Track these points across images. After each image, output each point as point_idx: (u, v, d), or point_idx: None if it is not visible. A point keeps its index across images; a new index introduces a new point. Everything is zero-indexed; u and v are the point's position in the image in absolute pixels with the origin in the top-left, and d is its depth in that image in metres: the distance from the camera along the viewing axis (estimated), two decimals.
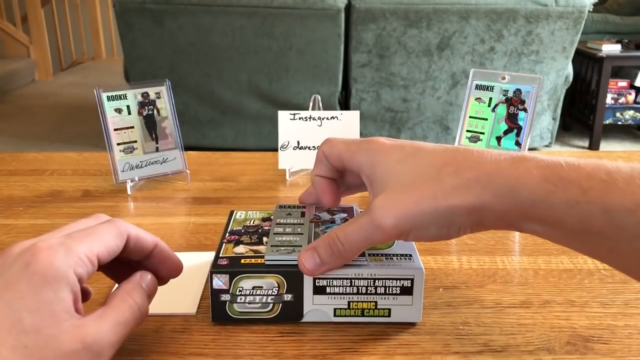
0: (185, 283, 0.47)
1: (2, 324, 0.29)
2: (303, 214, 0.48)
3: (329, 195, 0.44)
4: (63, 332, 0.30)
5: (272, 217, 0.48)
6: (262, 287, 0.41)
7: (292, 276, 0.41)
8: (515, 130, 0.70)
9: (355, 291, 0.41)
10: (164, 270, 0.40)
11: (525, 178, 0.33)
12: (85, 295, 0.36)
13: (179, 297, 0.45)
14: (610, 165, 0.32)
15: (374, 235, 0.36)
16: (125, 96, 0.70)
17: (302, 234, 0.44)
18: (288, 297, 0.41)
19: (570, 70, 2.70)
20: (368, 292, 0.41)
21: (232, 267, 0.41)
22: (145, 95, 0.71)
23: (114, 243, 0.35)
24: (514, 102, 0.70)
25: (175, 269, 0.40)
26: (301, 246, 0.42)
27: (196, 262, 0.51)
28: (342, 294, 0.41)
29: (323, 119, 0.74)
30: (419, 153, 0.37)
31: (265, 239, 0.45)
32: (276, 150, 0.75)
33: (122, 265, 0.39)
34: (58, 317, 0.30)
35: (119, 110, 0.70)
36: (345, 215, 0.48)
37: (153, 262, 0.39)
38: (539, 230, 0.34)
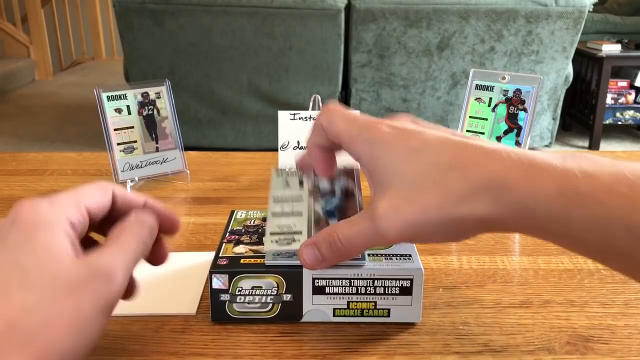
0: (185, 283, 0.47)
1: (3, 274, 0.29)
2: (301, 183, 0.45)
3: (322, 165, 0.42)
4: (66, 266, 0.30)
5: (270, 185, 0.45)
6: (261, 287, 0.41)
7: (292, 276, 0.41)
8: (515, 130, 0.70)
9: (354, 291, 0.41)
10: (161, 229, 0.38)
11: (539, 192, 0.30)
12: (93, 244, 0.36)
13: (178, 297, 0.45)
14: (630, 174, 0.30)
15: (375, 241, 0.36)
16: (125, 96, 0.70)
17: (300, 214, 0.43)
18: (287, 297, 0.41)
19: (570, 70, 2.70)
20: (367, 292, 0.41)
21: (232, 267, 0.41)
22: (145, 95, 0.71)
23: (99, 195, 0.35)
24: (514, 102, 0.70)
25: (172, 224, 0.38)
26: (301, 232, 0.41)
27: (196, 262, 0.51)
28: (342, 294, 0.41)
29: None
30: (424, 149, 0.34)
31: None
32: (276, 150, 0.75)
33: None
34: (57, 254, 0.30)
35: (119, 110, 0.70)
36: (346, 183, 0.45)
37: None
38: (555, 242, 0.32)
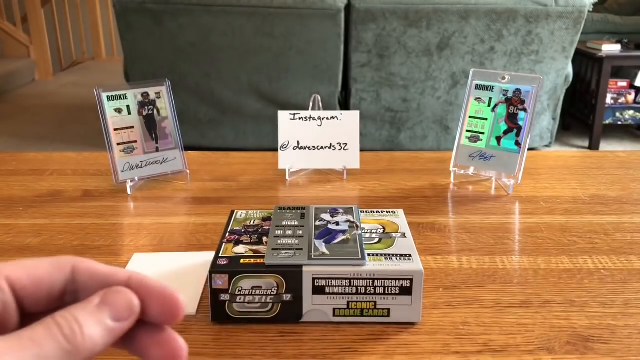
0: (185, 283, 0.47)
1: None
2: (303, 216, 0.48)
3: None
4: None
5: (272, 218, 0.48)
6: (261, 287, 0.41)
7: (291, 276, 0.41)
8: (515, 130, 0.70)
9: (354, 291, 0.41)
10: (155, 313, 0.26)
11: None
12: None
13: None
14: None
15: None
16: (125, 96, 0.70)
17: (302, 236, 0.44)
18: (287, 297, 0.41)
19: (570, 70, 2.70)
20: (367, 292, 0.41)
21: (232, 267, 0.41)
22: (145, 95, 0.71)
23: (42, 268, 0.25)
24: (514, 102, 0.70)
25: (171, 306, 0.26)
26: (302, 249, 0.42)
27: (196, 262, 0.51)
28: (342, 294, 0.41)
29: (323, 119, 0.74)
30: None
31: (265, 238, 0.45)
32: (276, 150, 0.75)
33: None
34: None
35: (119, 110, 0.70)
36: (347, 218, 0.48)
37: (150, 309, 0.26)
38: None
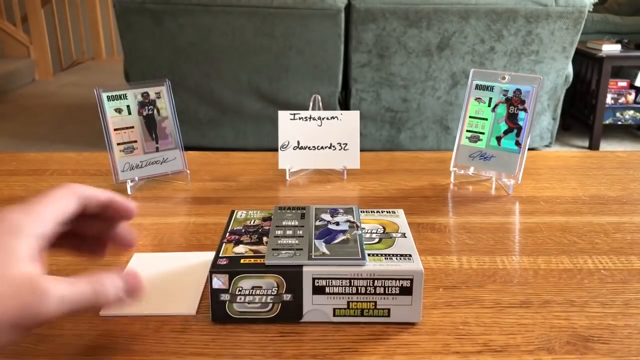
0: (185, 283, 0.47)
1: None
2: (303, 216, 0.48)
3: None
4: (16, 269, 0.32)
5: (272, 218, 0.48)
6: (261, 287, 0.41)
7: (292, 276, 0.41)
8: (515, 130, 0.70)
9: (354, 291, 0.41)
10: (120, 217, 0.41)
11: None
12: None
13: (178, 297, 0.45)
14: None
15: None
16: (125, 96, 0.70)
17: (302, 236, 0.44)
18: (287, 297, 0.41)
19: (570, 70, 2.70)
20: (367, 292, 0.41)
21: (232, 267, 0.41)
22: (145, 95, 0.71)
23: (71, 205, 0.37)
24: (514, 102, 0.70)
25: (129, 215, 0.41)
26: (302, 249, 0.42)
27: (196, 262, 0.51)
28: (342, 294, 0.41)
29: (323, 119, 0.74)
30: None
31: (265, 238, 0.45)
32: (276, 150, 0.75)
33: (81, 238, 0.41)
34: (16, 258, 0.32)
35: (119, 110, 0.70)
36: (347, 218, 0.48)
37: (108, 213, 0.40)
38: None
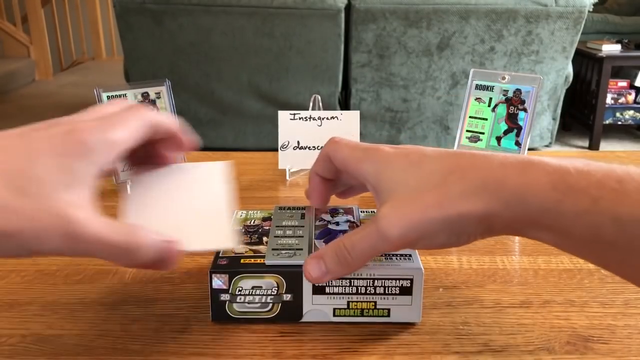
0: (204, 204, 0.40)
1: (13, 158, 0.30)
2: (303, 216, 0.48)
3: (317, 195, 0.45)
4: (56, 200, 0.30)
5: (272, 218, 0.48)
6: (261, 287, 0.41)
7: (292, 276, 0.41)
8: (515, 130, 0.70)
9: (354, 291, 0.41)
10: (175, 148, 0.40)
11: (534, 186, 0.32)
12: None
13: (209, 231, 0.38)
14: (621, 171, 0.31)
15: (380, 245, 0.36)
16: (125, 96, 0.70)
17: (302, 236, 0.44)
18: (287, 297, 0.41)
19: (570, 70, 2.70)
20: (367, 292, 0.41)
21: (232, 267, 0.41)
22: (145, 95, 0.71)
23: (141, 132, 0.35)
24: (514, 102, 0.70)
25: (182, 147, 0.40)
26: (302, 249, 0.42)
27: (207, 176, 0.42)
28: (342, 294, 0.41)
29: (323, 119, 0.74)
30: (423, 160, 0.36)
31: (265, 238, 0.45)
32: (276, 150, 0.75)
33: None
34: (63, 184, 0.30)
35: None
36: (347, 218, 0.48)
37: (168, 143, 0.39)
38: (547, 238, 0.33)
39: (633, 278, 0.33)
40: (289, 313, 0.41)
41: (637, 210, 0.30)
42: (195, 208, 0.39)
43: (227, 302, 0.41)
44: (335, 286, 0.41)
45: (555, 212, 0.32)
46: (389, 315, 0.42)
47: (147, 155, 0.40)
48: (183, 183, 0.41)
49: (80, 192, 0.31)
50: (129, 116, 0.35)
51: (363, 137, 2.65)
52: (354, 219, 0.48)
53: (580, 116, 3.28)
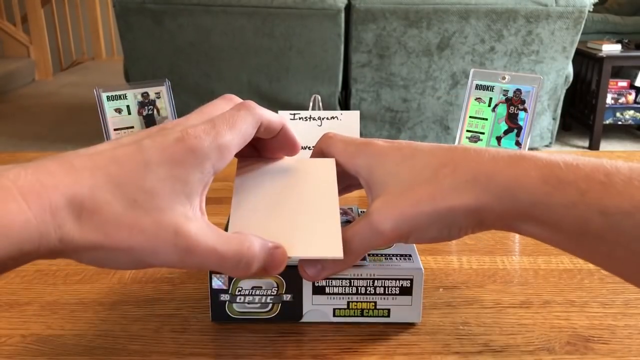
0: (310, 208, 0.37)
1: (126, 170, 0.29)
2: None
3: None
4: (169, 213, 0.30)
5: None
6: (261, 287, 0.41)
7: (292, 276, 0.40)
8: (515, 130, 0.70)
9: (354, 291, 0.41)
10: (280, 150, 0.39)
11: (524, 179, 0.32)
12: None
13: (316, 238, 0.35)
14: (609, 165, 0.32)
15: (373, 239, 0.36)
16: (125, 96, 0.70)
17: None
18: (287, 297, 0.41)
19: (570, 70, 2.70)
20: (367, 292, 0.41)
21: None
22: (145, 95, 0.71)
23: (251, 132, 0.34)
24: (514, 102, 0.70)
25: (293, 150, 0.39)
26: None
27: (313, 174, 0.39)
28: (342, 294, 0.41)
29: (323, 119, 0.74)
30: (416, 154, 0.37)
31: None
32: None
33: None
34: (176, 196, 0.30)
35: (119, 110, 0.70)
36: (346, 217, 0.48)
37: (274, 143, 0.38)
38: (536, 232, 0.34)
39: (620, 271, 0.33)
40: (289, 313, 0.41)
41: (624, 202, 0.30)
42: (303, 210, 0.37)
43: (227, 302, 0.41)
44: (335, 286, 0.41)
45: (545, 205, 0.32)
46: (389, 316, 0.42)
47: (251, 152, 0.39)
48: (290, 180, 0.39)
49: (192, 203, 0.31)
50: (238, 117, 0.34)
51: (363, 137, 2.64)
52: (353, 219, 0.48)
53: (580, 116, 3.28)
